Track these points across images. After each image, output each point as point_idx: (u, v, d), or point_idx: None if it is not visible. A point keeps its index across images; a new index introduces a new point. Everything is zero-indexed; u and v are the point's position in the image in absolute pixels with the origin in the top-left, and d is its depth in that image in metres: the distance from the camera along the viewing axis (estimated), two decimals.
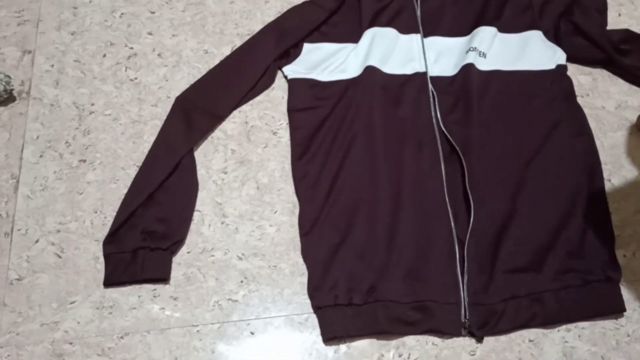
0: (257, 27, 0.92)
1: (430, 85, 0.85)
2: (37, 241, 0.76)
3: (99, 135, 0.84)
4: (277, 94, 0.88)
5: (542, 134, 0.83)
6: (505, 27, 0.90)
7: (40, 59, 0.90)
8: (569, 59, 0.89)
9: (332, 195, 0.78)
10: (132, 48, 0.91)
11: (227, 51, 0.91)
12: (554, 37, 0.90)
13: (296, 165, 0.81)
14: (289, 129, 0.84)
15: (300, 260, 0.76)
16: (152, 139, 0.82)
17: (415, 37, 0.89)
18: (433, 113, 0.84)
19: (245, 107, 0.87)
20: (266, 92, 0.88)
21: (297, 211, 0.78)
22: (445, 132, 0.81)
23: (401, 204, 0.77)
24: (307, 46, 0.90)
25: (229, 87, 0.87)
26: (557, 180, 0.79)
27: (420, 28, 0.90)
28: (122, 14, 0.94)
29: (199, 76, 0.87)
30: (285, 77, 0.88)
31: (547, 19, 0.91)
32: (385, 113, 0.84)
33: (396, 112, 0.84)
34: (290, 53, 0.90)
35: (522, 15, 0.91)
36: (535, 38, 0.90)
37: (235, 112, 0.86)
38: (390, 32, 0.89)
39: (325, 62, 0.89)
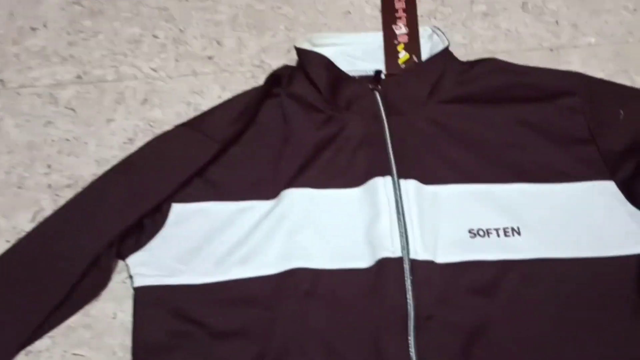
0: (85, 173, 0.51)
1: (408, 289, 0.46)
2: None
3: None
4: (106, 309, 0.46)
5: None
6: (549, 174, 0.51)
7: None
8: None
9: None
10: None
11: (26, 225, 0.49)
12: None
13: None
14: None
15: None
16: None
17: (386, 195, 0.50)
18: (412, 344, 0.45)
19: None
20: (88, 306, 0.48)
21: None
22: None
23: None
24: (176, 209, 0.49)
25: (22, 304, 0.47)
26: None
27: (395, 177, 0.50)
28: None
29: None
30: (131, 277, 0.48)
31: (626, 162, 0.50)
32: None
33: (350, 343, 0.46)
34: (145, 225, 0.49)
35: (578, 150, 0.52)
36: (605, 195, 0.51)
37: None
38: (337, 192, 0.51)
39: (211, 242, 0.49)
